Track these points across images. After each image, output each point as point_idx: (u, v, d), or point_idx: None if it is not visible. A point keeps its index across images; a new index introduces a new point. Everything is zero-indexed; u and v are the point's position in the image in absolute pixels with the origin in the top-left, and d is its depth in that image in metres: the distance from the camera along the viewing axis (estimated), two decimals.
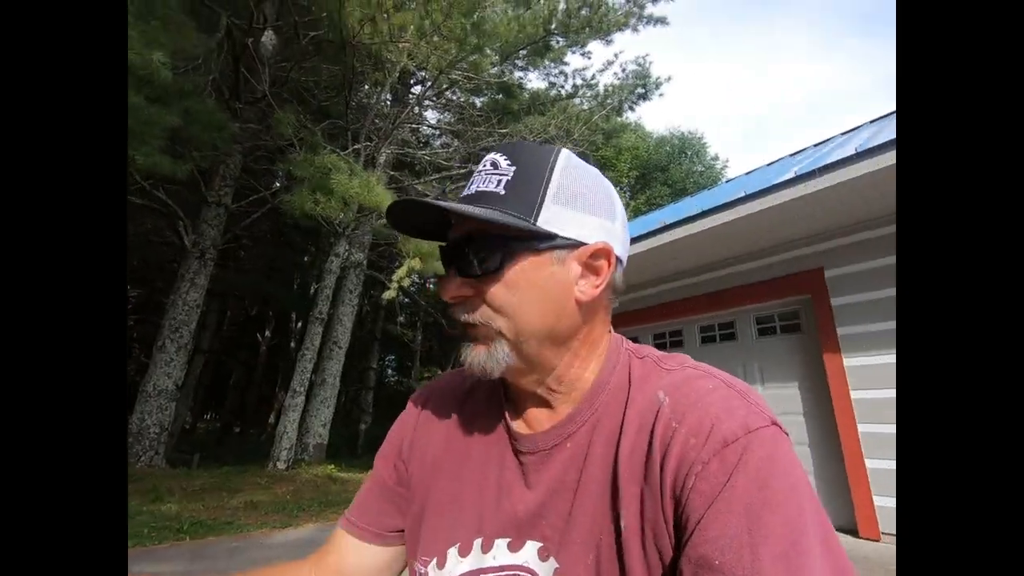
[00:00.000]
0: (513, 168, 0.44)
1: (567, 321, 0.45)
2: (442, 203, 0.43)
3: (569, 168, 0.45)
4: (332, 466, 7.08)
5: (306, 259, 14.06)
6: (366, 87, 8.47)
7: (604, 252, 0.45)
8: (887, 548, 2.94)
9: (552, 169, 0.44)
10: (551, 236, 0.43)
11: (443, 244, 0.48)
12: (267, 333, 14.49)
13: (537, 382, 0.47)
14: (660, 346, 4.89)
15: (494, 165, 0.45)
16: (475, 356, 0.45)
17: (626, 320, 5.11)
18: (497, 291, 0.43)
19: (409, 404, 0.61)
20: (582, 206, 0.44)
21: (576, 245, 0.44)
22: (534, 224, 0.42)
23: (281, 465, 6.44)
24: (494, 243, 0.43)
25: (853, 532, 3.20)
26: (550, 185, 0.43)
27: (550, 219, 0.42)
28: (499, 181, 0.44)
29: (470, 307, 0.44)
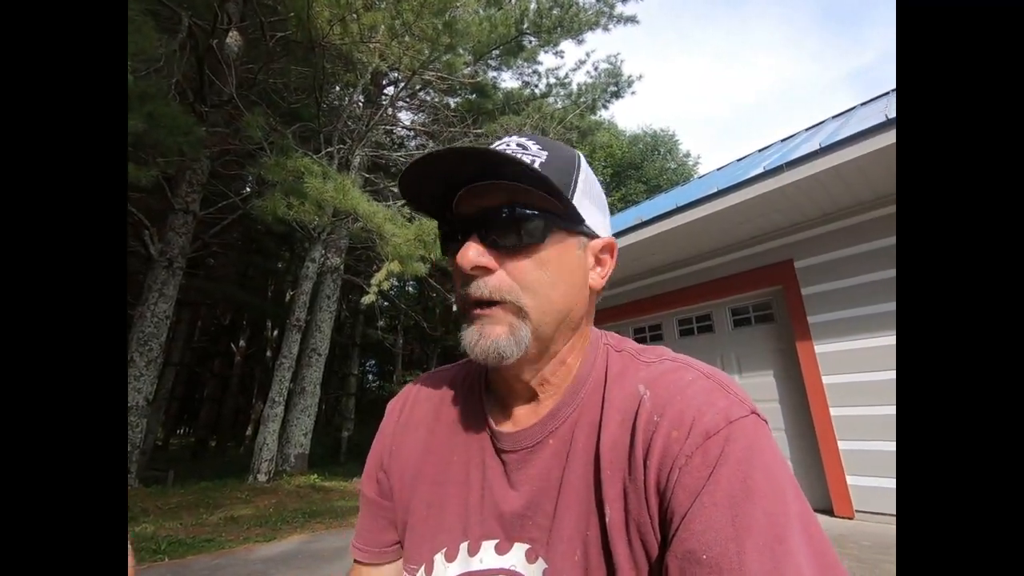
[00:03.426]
0: (545, 153, 0.44)
1: (579, 307, 0.46)
2: (512, 153, 0.40)
3: (586, 166, 0.47)
4: (315, 476, 6.93)
5: (280, 265, 13.71)
6: (337, 89, 8.32)
7: (611, 247, 0.49)
8: (860, 525, 3.08)
9: (579, 161, 0.46)
10: (581, 220, 0.44)
11: (454, 215, 0.45)
12: (242, 342, 14.06)
13: (535, 372, 0.46)
14: (641, 340, 4.98)
15: (522, 147, 0.44)
16: (494, 339, 0.41)
17: (607, 316, 5.18)
18: (528, 266, 0.42)
19: (387, 412, 0.60)
20: (597, 202, 0.47)
21: (592, 236, 0.47)
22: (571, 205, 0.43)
23: (262, 477, 6.28)
24: (534, 215, 0.42)
25: (828, 511, 3.33)
26: (579, 175, 0.45)
27: (578, 205, 0.44)
28: (533, 160, 0.42)
29: (492, 282, 0.41)
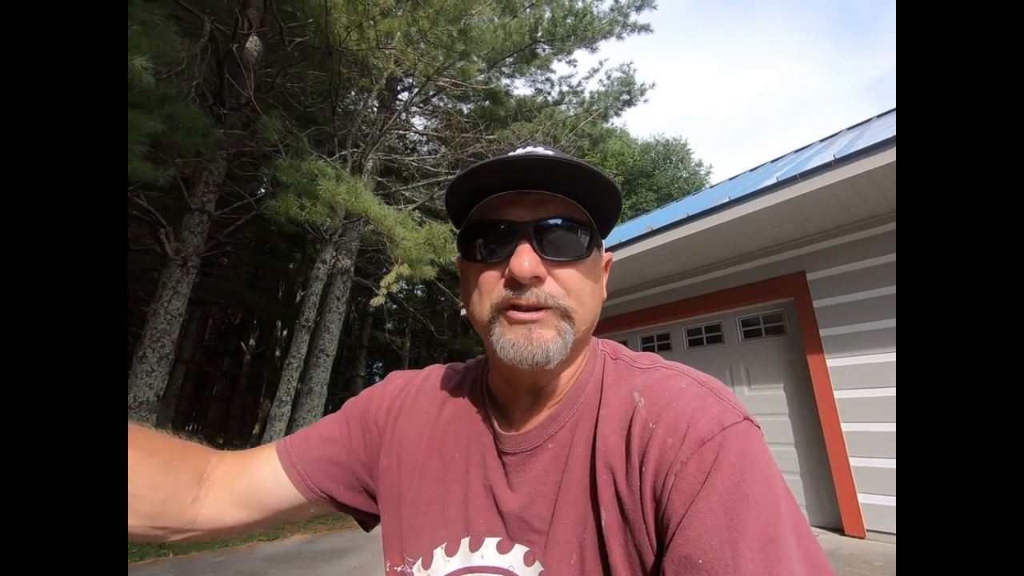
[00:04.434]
0: None
1: (597, 316, 0.48)
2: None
3: None
4: None
5: (291, 266, 13.85)
6: (352, 93, 8.44)
7: (609, 261, 0.52)
8: (871, 545, 3.00)
9: None
10: (606, 235, 0.48)
11: (489, 217, 0.44)
12: (251, 342, 14.20)
13: (552, 377, 0.47)
14: (649, 349, 4.93)
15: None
16: (544, 343, 0.42)
17: (615, 323, 5.15)
18: (576, 276, 0.44)
19: (390, 379, 0.60)
20: None
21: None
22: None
23: None
24: (584, 230, 0.44)
25: (839, 530, 3.26)
26: None
27: None
28: None
29: (548, 288, 0.42)
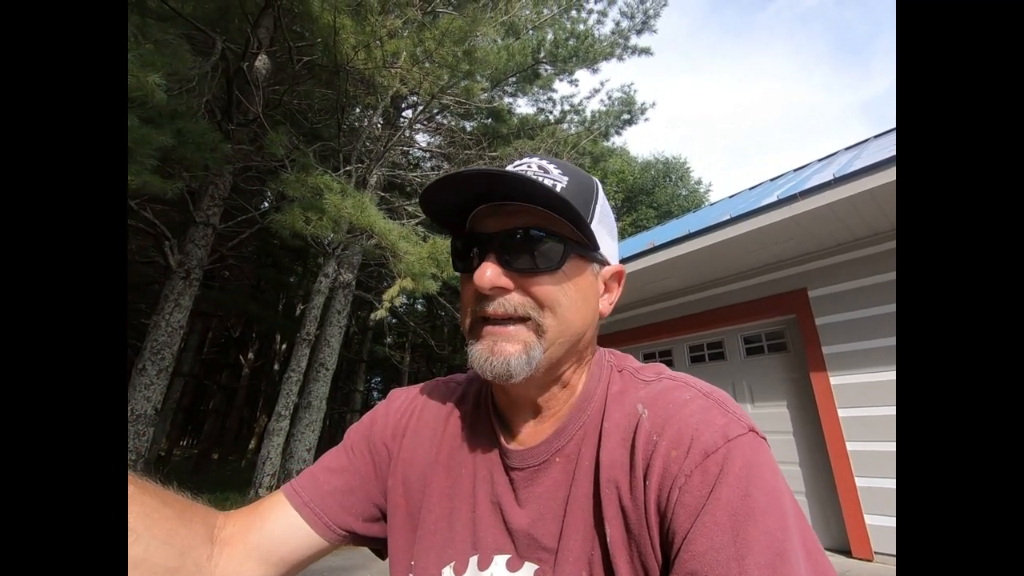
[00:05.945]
0: (566, 178, 0.45)
1: (589, 331, 0.47)
2: (534, 177, 0.40)
3: (602, 193, 0.48)
4: None
5: (292, 279, 13.88)
6: (358, 110, 8.60)
7: (619, 275, 0.50)
8: (879, 568, 2.94)
9: (596, 188, 0.47)
10: (597, 247, 0.45)
11: (469, 232, 0.45)
12: (250, 355, 14.13)
13: (539, 391, 0.47)
14: None
15: (543, 170, 0.45)
16: (505, 357, 0.41)
17: (617, 339, 5.14)
18: (549, 287, 0.42)
19: (391, 398, 0.59)
20: (609, 229, 0.48)
21: (604, 263, 0.48)
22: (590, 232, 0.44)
23: (264, 492, 6.21)
24: (554, 240, 0.42)
25: (846, 552, 3.20)
26: (597, 202, 0.46)
27: (595, 232, 0.45)
28: (554, 185, 0.43)
29: (515, 299, 0.42)
